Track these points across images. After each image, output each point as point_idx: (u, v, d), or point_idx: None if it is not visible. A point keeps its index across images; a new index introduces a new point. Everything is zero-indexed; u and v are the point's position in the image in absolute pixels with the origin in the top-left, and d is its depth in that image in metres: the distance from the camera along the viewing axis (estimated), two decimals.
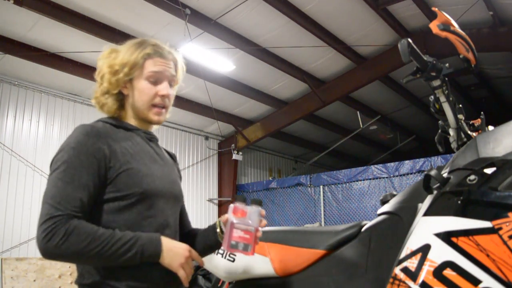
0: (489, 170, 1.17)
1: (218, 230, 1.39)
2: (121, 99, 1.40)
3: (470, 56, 1.56)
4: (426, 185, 1.26)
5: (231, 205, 1.29)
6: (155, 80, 1.37)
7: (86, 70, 6.58)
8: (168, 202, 1.37)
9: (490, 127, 1.71)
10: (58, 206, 1.15)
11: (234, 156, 9.11)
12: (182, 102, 7.79)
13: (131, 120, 1.41)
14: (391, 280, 1.17)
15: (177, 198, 1.44)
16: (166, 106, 1.41)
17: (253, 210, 1.29)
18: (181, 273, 1.24)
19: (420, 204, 1.38)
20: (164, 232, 1.30)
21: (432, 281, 1.07)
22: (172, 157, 1.57)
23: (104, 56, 1.41)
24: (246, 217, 1.28)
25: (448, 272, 1.06)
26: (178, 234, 1.42)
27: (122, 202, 1.25)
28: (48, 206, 1.16)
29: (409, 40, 1.40)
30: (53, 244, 1.12)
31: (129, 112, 1.41)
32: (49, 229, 1.13)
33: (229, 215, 1.29)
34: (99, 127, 1.31)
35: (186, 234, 1.51)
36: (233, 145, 9.22)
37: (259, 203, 1.32)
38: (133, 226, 1.25)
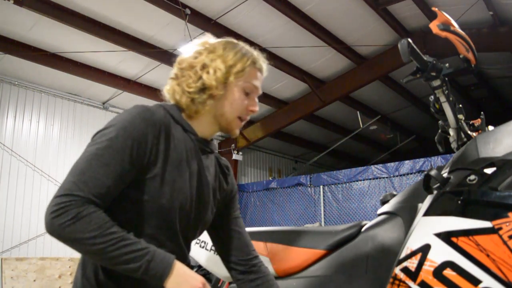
0: (489, 170, 1.17)
1: None
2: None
3: (470, 56, 1.56)
4: (426, 185, 1.26)
5: None
6: (249, 92, 1.29)
7: (86, 70, 6.59)
8: (189, 223, 1.25)
9: (490, 127, 1.71)
10: (82, 186, 1.04)
11: (234, 156, 9.11)
12: None
13: (198, 122, 1.27)
14: (391, 280, 1.17)
15: (203, 221, 1.30)
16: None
17: None
18: None
19: (420, 204, 1.38)
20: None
21: (432, 281, 1.07)
22: (223, 171, 1.41)
23: (205, 47, 1.28)
24: None
25: (448, 272, 1.06)
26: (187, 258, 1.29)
27: (145, 206, 1.15)
28: (72, 181, 1.05)
29: (409, 40, 1.40)
30: (58, 222, 1.01)
31: (205, 114, 1.27)
32: (62, 205, 1.02)
33: None
34: (160, 116, 1.18)
35: (253, 273, 1.37)
36: (233, 145, 9.22)
37: None
38: (144, 237, 1.13)
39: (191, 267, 1.25)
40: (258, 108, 1.32)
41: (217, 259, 1.67)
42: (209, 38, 1.34)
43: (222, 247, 1.41)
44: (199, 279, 1.11)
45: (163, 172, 1.16)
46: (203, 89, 1.23)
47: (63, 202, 1.02)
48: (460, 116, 1.64)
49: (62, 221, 1.01)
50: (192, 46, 1.32)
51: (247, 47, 1.34)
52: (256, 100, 1.32)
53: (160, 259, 1.08)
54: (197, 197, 1.25)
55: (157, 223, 1.17)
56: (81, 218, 1.02)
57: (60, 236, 1.03)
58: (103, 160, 1.08)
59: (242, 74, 1.26)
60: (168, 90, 1.29)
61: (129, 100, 7.55)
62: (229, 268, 1.41)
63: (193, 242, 1.52)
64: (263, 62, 1.34)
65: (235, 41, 1.34)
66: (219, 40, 1.34)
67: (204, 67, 1.24)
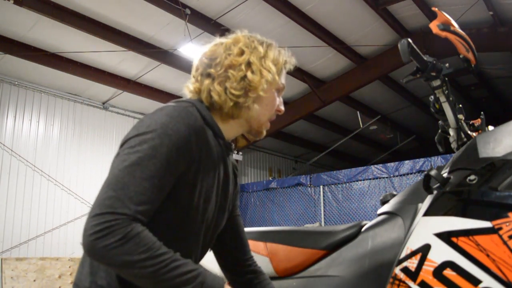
0: (489, 170, 1.17)
1: None
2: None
3: (470, 56, 1.56)
4: (426, 185, 1.26)
5: None
6: (279, 92, 1.22)
7: (86, 70, 6.59)
8: (208, 229, 1.19)
9: (490, 127, 1.71)
10: (127, 202, 0.93)
11: (234, 156, 9.07)
12: None
13: (226, 124, 1.18)
14: (391, 280, 1.17)
15: (218, 226, 1.25)
16: None
17: None
18: None
19: (420, 204, 1.38)
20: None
21: (432, 281, 1.07)
22: (235, 171, 1.34)
23: (246, 43, 1.17)
24: None
25: (448, 272, 1.06)
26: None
27: (170, 214, 1.06)
28: (115, 196, 0.93)
29: (409, 40, 1.40)
30: (103, 244, 0.89)
31: (237, 119, 1.17)
32: (106, 224, 0.90)
33: None
34: (199, 120, 1.07)
35: (254, 276, 1.34)
36: (233, 145, 9.21)
37: None
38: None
39: None
40: (283, 108, 1.25)
41: None
42: (239, 34, 1.23)
43: (221, 246, 1.35)
44: None
45: (195, 181, 1.07)
46: (247, 91, 1.13)
47: (108, 221, 0.90)
48: (460, 116, 1.64)
49: (108, 242, 0.90)
50: (229, 40, 1.20)
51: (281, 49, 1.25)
52: (282, 100, 1.25)
53: (211, 280, 1.01)
54: (219, 205, 1.19)
55: (184, 235, 1.10)
56: (130, 239, 0.91)
57: (104, 259, 0.92)
58: (148, 172, 0.96)
59: (280, 75, 1.19)
60: (199, 88, 1.16)
61: (129, 100, 7.55)
62: (225, 268, 1.36)
63: None
64: (290, 61, 1.25)
65: (268, 40, 1.26)
66: (247, 35, 1.23)
67: (249, 65, 1.13)
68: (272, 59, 1.17)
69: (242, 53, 1.15)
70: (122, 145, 1.03)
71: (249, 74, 1.12)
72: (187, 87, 1.21)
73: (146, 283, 0.96)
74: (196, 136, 1.05)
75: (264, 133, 1.25)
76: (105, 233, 0.90)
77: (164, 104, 1.10)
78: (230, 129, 1.20)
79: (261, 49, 1.17)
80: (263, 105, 1.18)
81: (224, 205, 1.23)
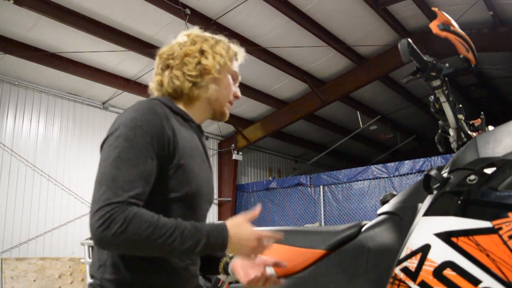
0: (489, 170, 1.17)
1: (221, 268, 1.38)
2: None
3: (470, 56, 1.56)
4: (426, 185, 1.26)
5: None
6: (234, 79, 1.40)
7: (86, 70, 6.59)
8: (205, 206, 1.32)
9: (490, 127, 1.71)
10: (119, 192, 1.03)
11: (234, 156, 9.11)
12: None
13: (193, 109, 1.32)
14: (391, 280, 1.17)
15: (211, 202, 1.38)
16: None
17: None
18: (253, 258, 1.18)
19: (420, 204, 1.38)
20: None
21: (432, 281, 1.07)
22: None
23: (198, 36, 1.34)
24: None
25: (448, 272, 1.06)
26: None
27: (170, 197, 1.17)
28: (107, 190, 1.04)
29: (409, 40, 1.40)
30: (111, 233, 0.99)
31: (200, 101, 1.32)
32: (107, 215, 1.00)
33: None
34: (163, 108, 1.21)
35: None
36: (233, 145, 9.22)
37: None
38: None
39: None
40: (240, 94, 1.42)
41: None
42: (193, 30, 1.39)
43: None
44: (254, 235, 1.15)
45: (182, 162, 1.18)
46: (202, 74, 1.29)
47: (107, 212, 1.01)
48: (460, 116, 1.64)
49: (114, 230, 1.00)
50: (179, 37, 1.37)
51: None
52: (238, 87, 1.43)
53: (215, 234, 1.10)
54: (207, 180, 1.32)
55: (183, 211, 1.19)
56: (130, 221, 1.01)
57: (117, 245, 1.02)
58: (130, 162, 1.07)
59: (232, 62, 1.36)
60: (161, 80, 1.30)
61: (129, 100, 7.55)
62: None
63: None
64: (240, 52, 1.42)
65: (216, 35, 1.40)
66: (198, 32, 1.39)
67: (202, 52, 1.30)
68: (222, 47, 1.34)
69: (194, 43, 1.32)
70: (102, 147, 1.15)
71: (203, 59, 1.29)
72: (151, 84, 1.35)
73: (159, 252, 1.08)
74: (166, 120, 1.16)
75: (227, 114, 1.39)
76: (108, 223, 1.00)
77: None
78: (196, 113, 1.33)
79: (211, 40, 1.34)
80: (220, 86, 1.33)
81: (211, 181, 1.36)
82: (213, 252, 1.13)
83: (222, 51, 1.32)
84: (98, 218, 1.01)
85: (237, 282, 1.77)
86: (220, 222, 1.16)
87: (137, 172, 1.07)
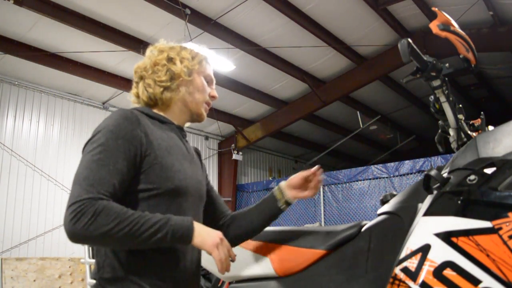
0: (489, 170, 1.17)
1: (279, 197, 1.55)
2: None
3: (470, 56, 1.55)
4: (426, 185, 1.26)
5: None
6: (208, 81, 1.48)
7: (86, 70, 6.59)
8: (194, 202, 1.37)
9: (490, 127, 1.71)
10: (90, 189, 1.11)
11: (234, 156, 9.12)
12: None
13: (171, 113, 1.42)
14: (391, 280, 1.17)
15: (202, 198, 1.44)
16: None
17: None
18: (215, 254, 1.19)
19: (420, 204, 1.37)
20: None
21: (432, 281, 1.07)
22: (198, 153, 1.58)
23: (164, 46, 1.46)
24: None
25: (448, 272, 1.06)
26: None
27: (152, 195, 1.23)
28: (79, 188, 1.12)
29: (409, 40, 1.40)
30: (80, 225, 1.07)
31: (176, 104, 1.41)
32: (78, 209, 1.08)
33: None
34: (134, 112, 1.29)
35: (232, 219, 1.56)
36: (233, 145, 9.22)
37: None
38: None
39: None
40: (217, 94, 1.51)
41: None
42: (158, 43, 1.50)
43: (209, 213, 1.54)
44: (217, 232, 1.23)
45: (159, 160, 1.25)
46: (173, 78, 1.39)
47: (78, 207, 1.09)
48: (460, 116, 1.64)
49: (84, 222, 1.07)
50: (147, 51, 1.48)
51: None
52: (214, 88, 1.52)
53: (180, 221, 1.18)
54: (192, 175, 1.37)
55: (167, 207, 1.25)
56: (99, 213, 1.08)
57: (87, 237, 1.09)
58: (101, 162, 1.16)
59: (201, 65, 1.45)
60: (137, 92, 1.42)
61: (129, 100, 7.54)
62: (217, 226, 1.53)
63: None
64: (207, 57, 1.52)
65: (181, 44, 1.51)
66: (163, 44, 1.50)
67: (170, 60, 1.41)
68: (189, 52, 1.44)
69: (162, 52, 1.43)
70: (83, 152, 1.24)
71: (171, 65, 1.39)
72: (130, 99, 1.47)
73: (128, 243, 1.14)
74: (138, 124, 1.24)
75: (204, 115, 1.47)
76: (79, 217, 1.08)
77: None
78: (174, 116, 1.42)
79: (177, 47, 1.45)
80: (192, 88, 1.42)
81: (198, 176, 1.43)
82: (181, 240, 1.17)
83: (188, 56, 1.42)
84: (70, 212, 1.09)
85: (237, 282, 1.77)
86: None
87: (107, 171, 1.15)
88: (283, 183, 1.57)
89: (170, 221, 1.16)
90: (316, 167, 1.53)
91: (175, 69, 1.39)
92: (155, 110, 1.40)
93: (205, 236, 1.20)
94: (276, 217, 1.59)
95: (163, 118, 1.38)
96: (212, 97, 1.49)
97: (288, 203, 1.58)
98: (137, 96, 1.43)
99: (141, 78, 1.42)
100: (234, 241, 1.53)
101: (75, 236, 1.09)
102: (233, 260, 1.26)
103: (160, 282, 1.22)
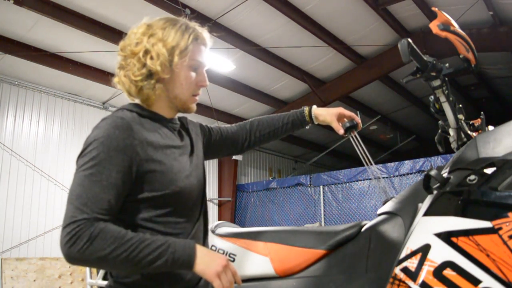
0: (489, 170, 1.17)
1: (306, 114, 1.79)
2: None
3: (470, 56, 1.55)
4: (426, 185, 1.26)
5: None
6: (196, 68, 1.31)
7: (86, 70, 6.58)
8: (198, 195, 1.33)
9: (490, 127, 1.71)
10: (84, 208, 1.07)
11: (234, 156, 9.11)
12: None
13: (158, 108, 1.30)
14: (391, 280, 1.17)
15: (204, 186, 1.39)
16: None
17: None
18: (217, 284, 1.11)
19: (420, 204, 1.38)
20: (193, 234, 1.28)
21: (432, 281, 1.07)
22: (191, 125, 1.48)
23: (144, 31, 1.26)
24: None
25: (448, 272, 1.06)
26: (201, 239, 1.36)
27: (158, 202, 1.19)
28: (73, 207, 1.08)
29: (409, 40, 1.40)
30: (76, 249, 1.04)
31: (161, 99, 1.29)
32: (73, 232, 1.04)
33: None
34: (128, 118, 1.20)
35: (252, 125, 1.68)
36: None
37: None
38: (168, 225, 1.20)
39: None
40: (208, 82, 1.35)
41: None
42: (148, 20, 1.31)
43: (227, 145, 1.63)
44: (222, 256, 1.16)
45: (157, 163, 1.19)
46: (150, 75, 1.24)
47: (73, 230, 1.05)
48: (460, 116, 1.64)
49: (79, 247, 1.04)
50: (133, 28, 1.31)
51: (187, 22, 1.31)
52: (205, 73, 1.34)
53: (182, 247, 1.12)
54: (192, 169, 1.32)
55: (172, 210, 1.21)
56: (96, 236, 1.04)
57: (82, 261, 1.06)
58: (93, 178, 1.10)
59: (186, 53, 1.26)
60: (118, 82, 1.31)
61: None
62: (244, 146, 1.67)
63: None
64: (205, 35, 1.33)
65: (174, 18, 1.32)
66: (158, 19, 1.31)
67: (146, 53, 1.24)
68: (172, 40, 1.24)
69: (141, 41, 1.25)
70: (76, 165, 1.18)
71: (148, 60, 1.23)
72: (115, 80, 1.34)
73: (126, 268, 1.09)
74: (129, 130, 1.16)
75: (193, 108, 1.35)
76: (74, 240, 1.04)
77: None
78: (163, 110, 1.31)
79: (160, 34, 1.24)
80: (177, 85, 1.28)
81: (198, 168, 1.37)
82: (182, 266, 1.12)
83: (163, 50, 1.22)
84: (65, 235, 1.05)
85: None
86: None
87: (100, 187, 1.09)
88: (315, 106, 1.76)
89: (170, 247, 1.10)
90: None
91: (150, 66, 1.23)
92: (144, 106, 1.30)
93: (208, 263, 1.12)
94: (297, 128, 1.83)
95: (153, 115, 1.28)
96: (202, 86, 1.33)
97: (312, 119, 1.77)
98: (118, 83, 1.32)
99: (122, 66, 1.30)
100: (258, 140, 1.69)
101: (71, 259, 1.06)
102: (238, 284, 1.19)
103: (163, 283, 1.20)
